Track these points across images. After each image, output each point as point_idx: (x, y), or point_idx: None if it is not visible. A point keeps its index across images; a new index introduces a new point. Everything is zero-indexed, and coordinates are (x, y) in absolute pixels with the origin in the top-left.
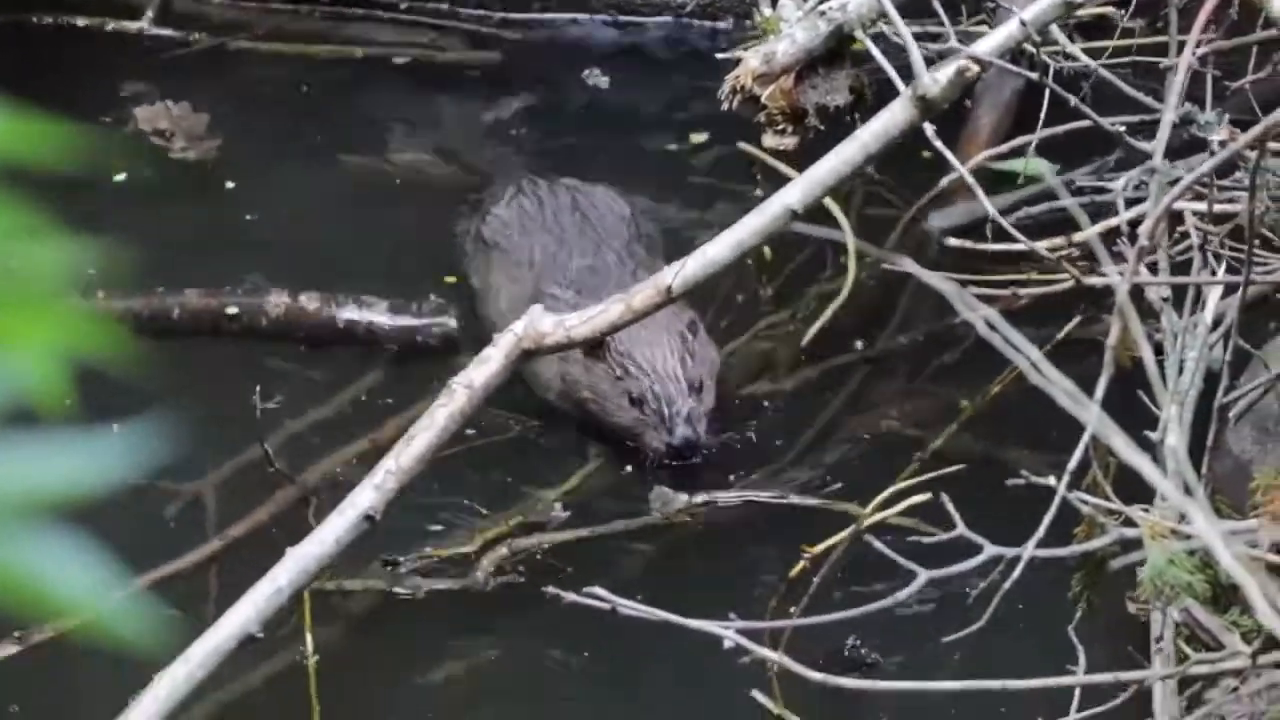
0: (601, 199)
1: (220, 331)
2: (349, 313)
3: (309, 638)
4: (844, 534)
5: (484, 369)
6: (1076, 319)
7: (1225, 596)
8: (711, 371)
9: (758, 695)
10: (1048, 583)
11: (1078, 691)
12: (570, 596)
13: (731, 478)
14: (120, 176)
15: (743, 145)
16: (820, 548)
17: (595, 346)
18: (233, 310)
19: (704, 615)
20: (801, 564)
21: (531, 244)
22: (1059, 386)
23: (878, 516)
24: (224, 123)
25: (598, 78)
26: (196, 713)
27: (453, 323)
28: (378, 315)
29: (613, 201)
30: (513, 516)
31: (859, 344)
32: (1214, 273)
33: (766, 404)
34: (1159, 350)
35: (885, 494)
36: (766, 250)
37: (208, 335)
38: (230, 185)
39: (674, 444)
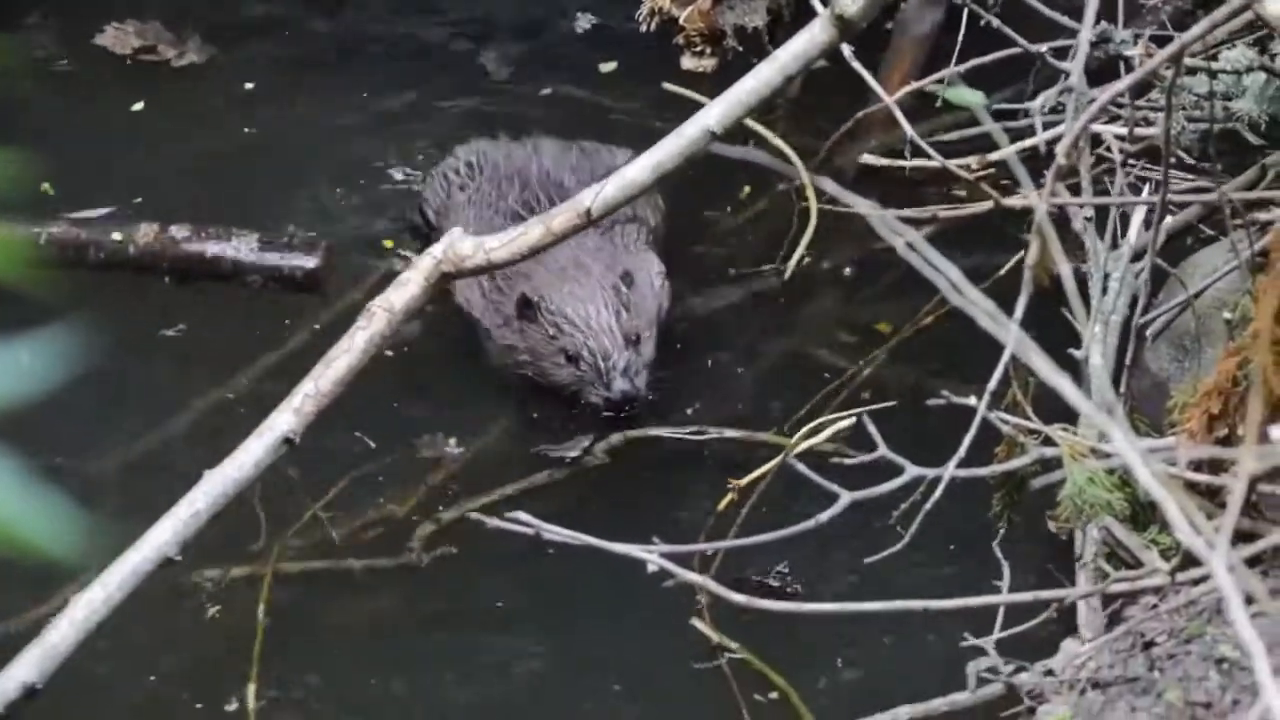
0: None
1: (86, 262)
2: (217, 246)
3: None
4: (771, 465)
5: (403, 292)
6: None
7: (1144, 515)
8: (650, 321)
9: (698, 624)
10: (968, 505)
11: (1001, 611)
12: (494, 521)
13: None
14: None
15: (667, 85)
16: (747, 479)
17: (527, 306)
18: (102, 239)
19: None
20: (729, 496)
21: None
22: (979, 306)
23: (803, 445)
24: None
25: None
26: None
27: (314, 262)
28: (245, 249)
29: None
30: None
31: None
32: (1136, 194)
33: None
34: (1079, 273)
35: (812, 425)
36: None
37: (73, 265)
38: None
39: (612, 398)
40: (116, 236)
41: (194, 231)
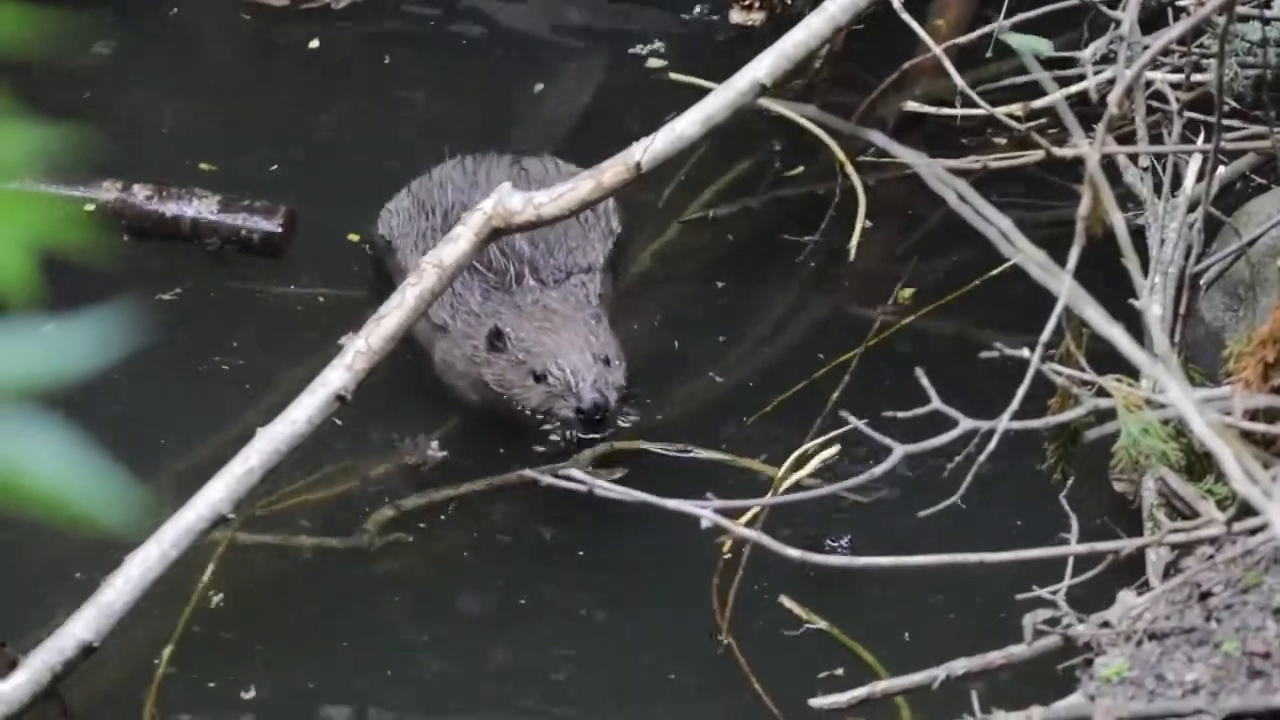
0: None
1: None
2: (176, 206)
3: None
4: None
5: (454, 247)
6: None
7: (1200, 465)
8: (619, 352)
9: (786, 601)
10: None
11: (1071, 562)
12: (547, 479)
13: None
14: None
15: (675, 76)
16: (796, 454)
17: (497, 338)
18: (63, 194)
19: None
20: (784, 468)
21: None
22: (1031, 257)
23: (792, 477)
24: None
25: None
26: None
27: (273, 226)
28: (205, 210)
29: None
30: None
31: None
32: (1189, 143)
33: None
34: (1131, 224)
35: (804, 450)
36: None
37: None
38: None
39: (583, 407)
40: (78, 193)
41: (155, 191)
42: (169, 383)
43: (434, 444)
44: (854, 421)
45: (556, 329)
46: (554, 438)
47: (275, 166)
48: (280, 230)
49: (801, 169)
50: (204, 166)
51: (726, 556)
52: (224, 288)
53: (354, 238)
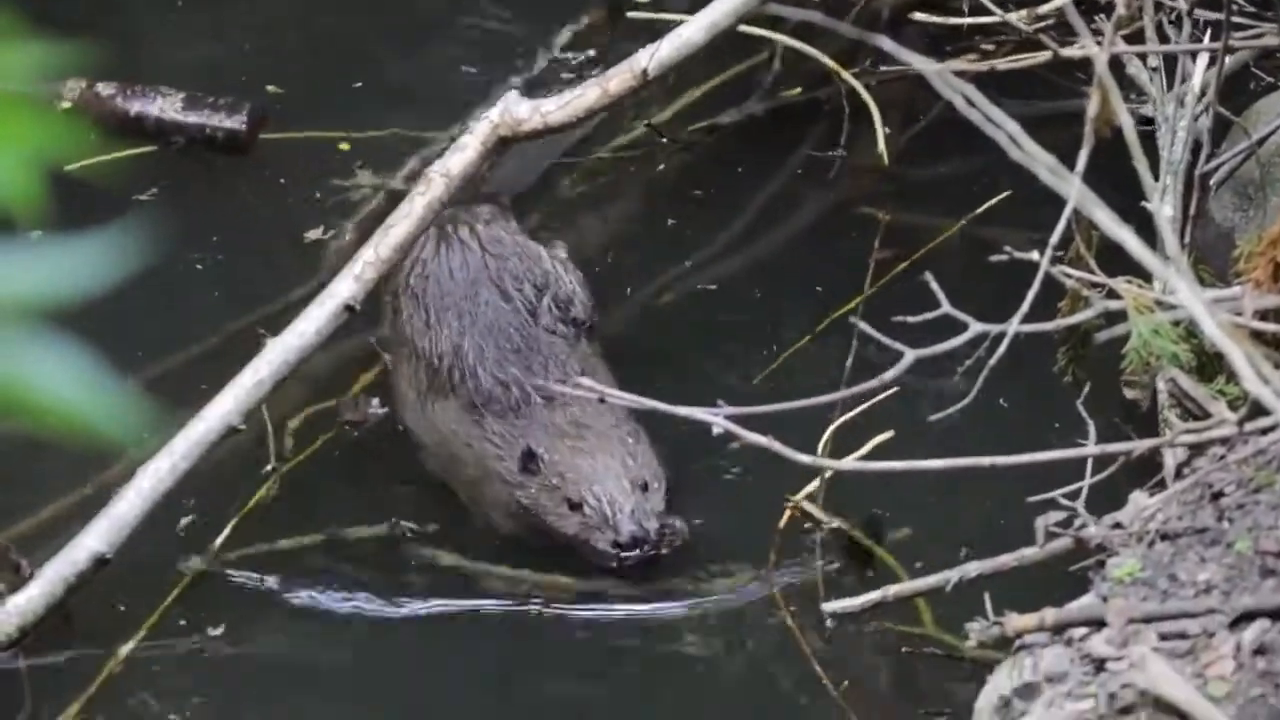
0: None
1: None
2: (141, 104)
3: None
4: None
5: (461, 157)
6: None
7: (1211, 365)
8: (658, 474)
9: (805, 504)
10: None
11: (1090, 463)
12: (559, 388)
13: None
14: None
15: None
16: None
17: (529, 460)
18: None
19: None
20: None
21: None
22: (1040, 160)
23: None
24: None
25: None
26: None
27: (237, 124)
28: (169, 108)
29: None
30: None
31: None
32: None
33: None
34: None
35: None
36: None
37: None
38: None
39: (620, 540)
40: (43, 92)
41: (119, 89)
42: (146, 283)
43: (374, 401)
44: (865, 328)
45: (592, 450)
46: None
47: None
48: (245, 128)
49: (798, 89)
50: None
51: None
52: (202, 187)
53: (345, 147)
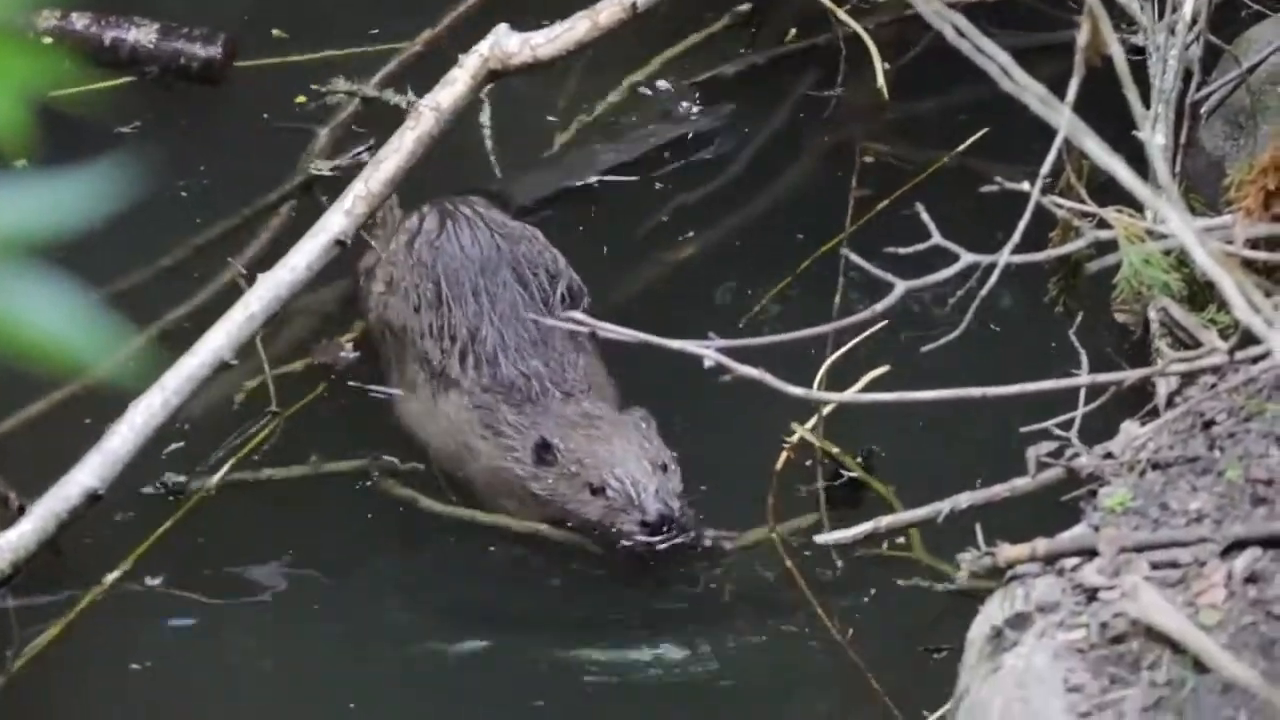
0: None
1: None
2: (115, 32)
3: None
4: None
5: (450, 91)
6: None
7: (1202, 294)
8: (673, 459)
9: (797, 427)
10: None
11: (1083, 392)
12: (549, 321)
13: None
14: None
15: None
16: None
17: (544, 450)
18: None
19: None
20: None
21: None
22: (1030, 91)
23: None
24: None
25: None
26: None
27: (212, 52)
28: (144, 37)
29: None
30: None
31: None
32: None
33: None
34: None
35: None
36: None
37: None
38: None
39: (649, 520)
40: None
41: (94, 19)
42: (131, 212)
43: (349, 345)
44: (855, 259)
45: (608, 436)
46: (625, 544)
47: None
48: (219, 57)
49: (793, 31)
50: None
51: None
52: (183, 118)
53: (302, 100)
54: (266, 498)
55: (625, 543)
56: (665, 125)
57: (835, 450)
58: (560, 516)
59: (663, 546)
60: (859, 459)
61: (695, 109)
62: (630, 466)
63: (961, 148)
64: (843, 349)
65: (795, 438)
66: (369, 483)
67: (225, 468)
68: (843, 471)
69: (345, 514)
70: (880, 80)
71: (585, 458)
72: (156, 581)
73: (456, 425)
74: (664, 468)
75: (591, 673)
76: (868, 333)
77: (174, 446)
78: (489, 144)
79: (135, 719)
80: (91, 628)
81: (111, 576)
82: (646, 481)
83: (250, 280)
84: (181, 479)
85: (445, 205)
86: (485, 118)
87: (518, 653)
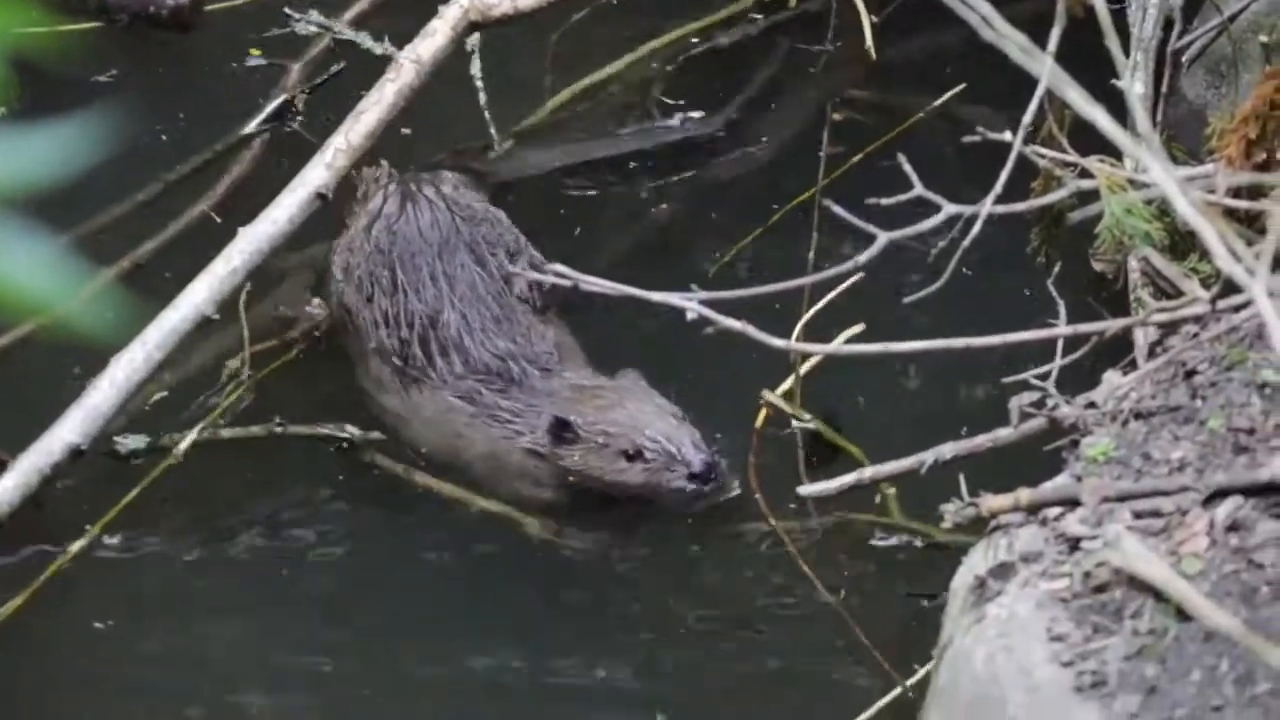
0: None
1: None
2: None
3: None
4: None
5: (430, 43)
6: None
7: (1184, 243)
8: (679, 410)
9: (769, 395)
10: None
11: (1060, 343)
12: (531, 275)
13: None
14: None
15: None
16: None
17: (563, 429)
18: None
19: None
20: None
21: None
22: (1012, 40)
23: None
24: None
25: None
26: None
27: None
28: None
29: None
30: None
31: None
32: None
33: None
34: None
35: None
36: None
37: None
38: None
39: (696, 470)
40: None
41: None
42: (114, 162)
43: (315, 301)
44: (839, 211)
45: (621, 402)
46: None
47: None
48: (187, 2)
49: None
50: None
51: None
52: (158, 65)
53: (256, 52)
54: (238, 456)
55: (672, 498)
56: (658, 129)
57: (806, 417)
58: (594, 487)
59: (709, 493)
60: (827, 421)
61: (690, 120)
62: (659, 425)
63: (938, 102)
64: (824, 300)
65: (771, 396)
66: (333, 449)
67: (193, 433)
68: (814, 430)
69: (317, 472)
70: (869, 40)
71: (609, 427)
72: (116, 540)
73: (440, 418)
74: (682, 419)
75: (569, 626)
76: (847, 283)
77: (157, 397)
78: (482, 99)
79: (101, 681)
80: (59, 585)
81: (77, 545)
82: (681, 436)
83: (223, 219)
84: (140, 443)
85: (409, 186)
86: (476, 69)
87: (493, 607)
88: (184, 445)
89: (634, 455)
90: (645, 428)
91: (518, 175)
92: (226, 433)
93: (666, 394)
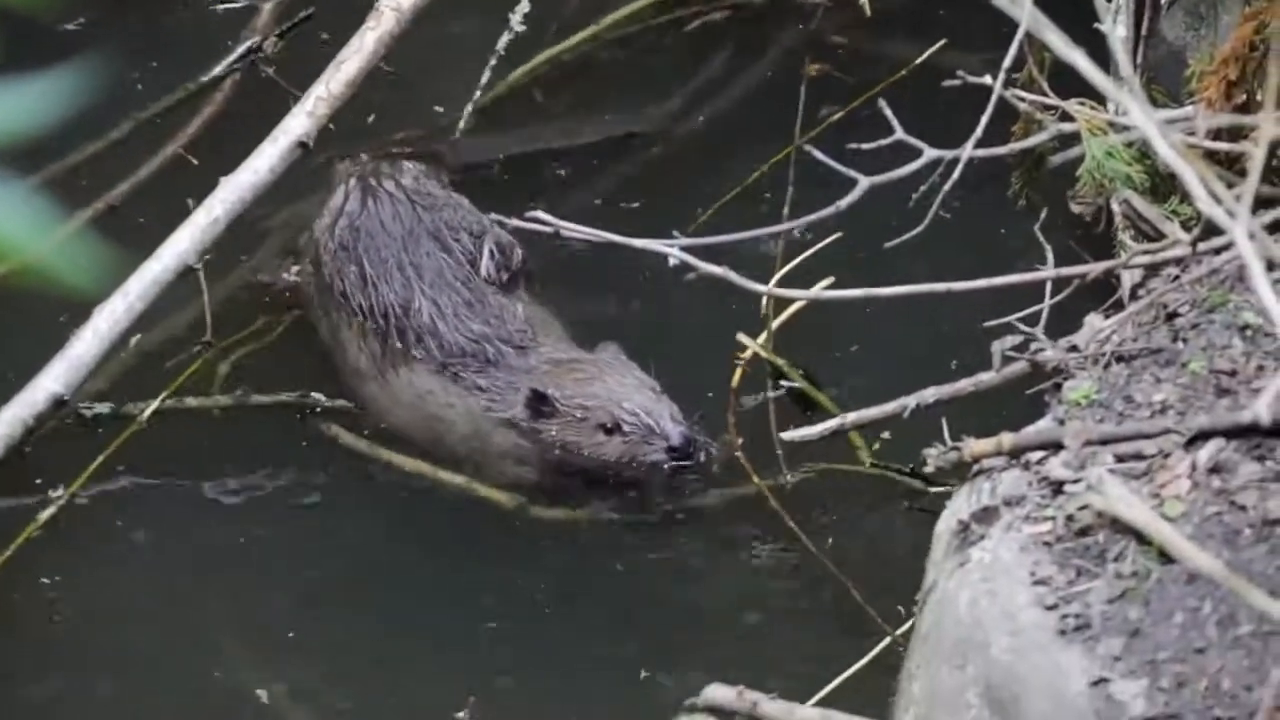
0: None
1: None
2: None
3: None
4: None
5: None
6: None
7: (1164, 186)
8: (657, 385)
9: (743, 337)
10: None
11: (1049, 285)
12: (513, 221)
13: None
14: None
15: None
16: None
17: (540, 402)
18: None
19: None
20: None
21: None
22: None
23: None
24: None
25: None
26: None
27: None
28: None
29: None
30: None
31: None
32: None
33: None
34: None
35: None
36: None
37: None
38: None
39: (675, 444)
40: None
41: None
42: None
43: (293, 269)
44: (820, 156)
45: (599, 375)
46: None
47: None
48: None
49: None
50: None
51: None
52: (129, 11)
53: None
54: (211, 419)
55: (647, 472)
56: (628, 119)
57: (781, 363)
58: (572, 463)
59: (689, 467)
60: (800, 372)
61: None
62: (638, 398)
63: (923, 57)
64: (811, 250)
65: (746, 353)
66: (299, 416)
67: (156, 402)
68: (785, 383)
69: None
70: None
71: (586, 400)
72: (88, 497)
73: (420, 402)
74: (661, 392)
75: (551, 586)
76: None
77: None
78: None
79: (77, 632)
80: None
81: (45, 514)
82: (659, 409)
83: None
84: (104, 409)
85: (369, 181)
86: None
87: (474, 572)
88: (147, 412)
89: (612, 429)
90: (623, 401)
91: (476, 160)
92: (191, 401)
93: (645, 368)
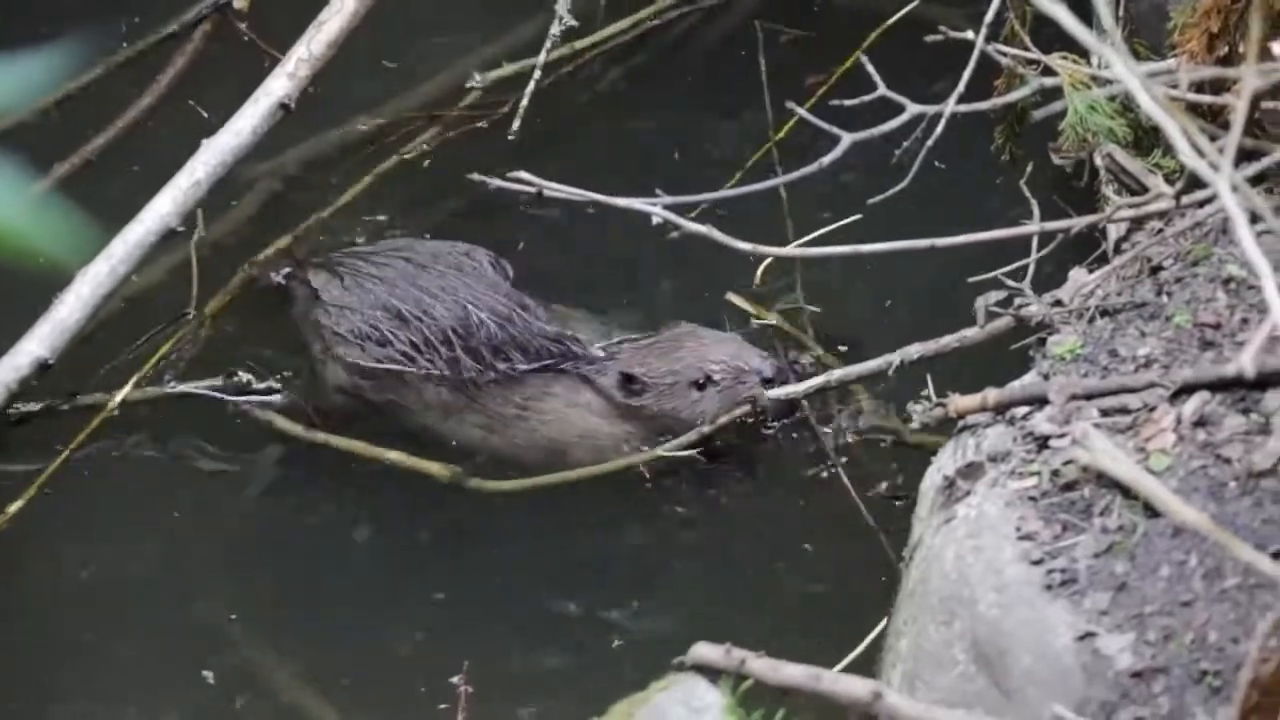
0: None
1: None
2: None
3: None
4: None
5: None
6: None
7: (1147, 139)
8: None
9: (733, 297)
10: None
11: (1035, 240)
12: (495, 182)
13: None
14: None
15: None
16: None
17: (630, 382)
18: None
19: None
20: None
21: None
22: None
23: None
24: None
25: None
26: None
27: None
28: None
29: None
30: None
31: None
32: None
33: None
34: None
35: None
36: None
37: None
38: None
39: (767, 374)
40: None
41: None
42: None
43: (284, 271)
44: (804, 114)
45: (679, 343)
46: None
47: None
48: None
49: None
50: None
51: None
52: None
53: None
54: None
55: (752, 408)
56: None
57: (770, 318)
58: (675, 428)
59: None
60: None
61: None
62: (720, 350)
63: (900, 13)
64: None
65: (736, 299)
66: (231, 406)
67: (125, 389)
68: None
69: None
70: None
71: (673, 365)
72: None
73: (524, 415)
74: (742, 341)
75: (559, 551)
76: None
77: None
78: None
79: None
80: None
81: (15, 506)
82: (743, 351)
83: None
84: (35, 407)
85: (333, 266)
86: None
87: (465, 551)
88: (118, 399)
89: (704, 383)
90: (705, 356)
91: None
92: (135, 394)
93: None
